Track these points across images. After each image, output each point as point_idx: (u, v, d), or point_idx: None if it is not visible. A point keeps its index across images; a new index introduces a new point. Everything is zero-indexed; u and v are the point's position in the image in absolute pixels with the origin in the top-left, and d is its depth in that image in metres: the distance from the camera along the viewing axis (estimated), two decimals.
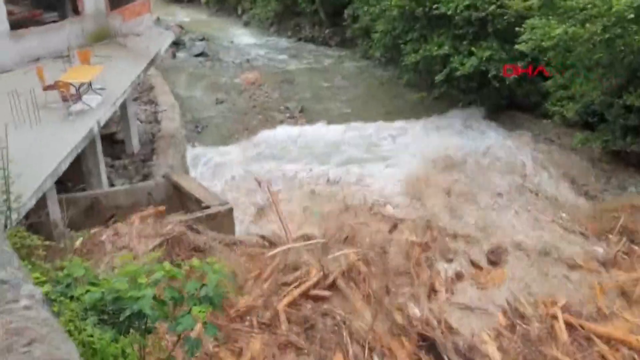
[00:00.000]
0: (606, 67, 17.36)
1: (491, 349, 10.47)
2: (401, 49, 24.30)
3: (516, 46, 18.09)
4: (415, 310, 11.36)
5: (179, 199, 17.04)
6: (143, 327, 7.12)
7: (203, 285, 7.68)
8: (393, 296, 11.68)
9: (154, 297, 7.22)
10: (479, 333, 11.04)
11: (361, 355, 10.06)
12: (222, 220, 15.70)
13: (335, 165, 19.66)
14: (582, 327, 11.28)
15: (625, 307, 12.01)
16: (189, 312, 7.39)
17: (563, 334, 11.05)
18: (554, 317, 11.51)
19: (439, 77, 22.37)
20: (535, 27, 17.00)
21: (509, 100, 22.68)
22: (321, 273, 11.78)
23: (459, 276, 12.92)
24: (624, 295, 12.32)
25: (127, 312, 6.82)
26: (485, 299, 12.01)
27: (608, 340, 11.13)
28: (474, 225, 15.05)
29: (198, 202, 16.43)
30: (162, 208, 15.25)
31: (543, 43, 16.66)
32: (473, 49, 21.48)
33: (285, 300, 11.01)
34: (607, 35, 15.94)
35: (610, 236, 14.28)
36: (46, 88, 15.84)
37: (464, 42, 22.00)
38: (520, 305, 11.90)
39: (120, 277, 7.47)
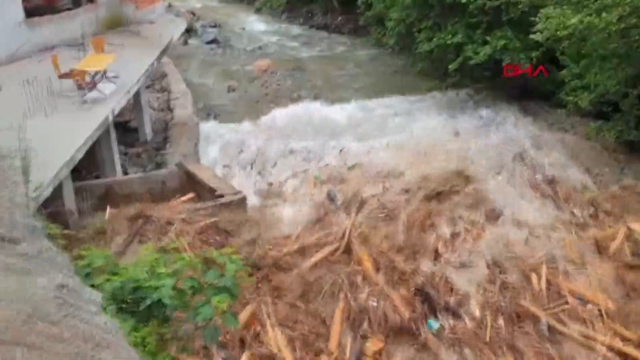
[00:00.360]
0: (621, 57, 17.24)
1: (473, 303, 11.53)
2: (414, 37, 24.22)
3: (531, 36, 17.96)
4: (419, 268, 12.58)
5: (192, 187, 17.13)
6: (162, 316, 7.21)
7: (221, 275, 7.76)
8: (399, 256, 12.81)
9: (173, 287, 7.30)
10: (467, 288, 12.09)
11: (361, 301, 11.30)
12: (235, 208, 15.81)
13: (349, 141, 20.28)
14: (552, 283, 12.25)
15: (599, 261, 12.93)
16: (208, 301, 7.47)
17: (539, 287, 12.02)
18: (534, 270, 12.48)
19: (452, 66, 22.27)
20: (550, 16, 16.86)
21: (522, 89, 22.59)
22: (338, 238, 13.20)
23: (456, 235, 13.96)
24: (600, 251, 13.26)
25: (147, 302, 6.90)
26: (478, 256, 13.06)
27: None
28: (472, 195, 15.75)
29: (211, 190, 16.51)
30: (191, 195, 15.39)
31: (558, 33, 16.54)
32: (487, 37, 21.38)
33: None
34: (622, 25, 15.81)
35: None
36: (61, 76, 15.92)
37: (478, 31, 21.90)
38: (504, 261, 12.90)
39: (140, 267, 7.56)
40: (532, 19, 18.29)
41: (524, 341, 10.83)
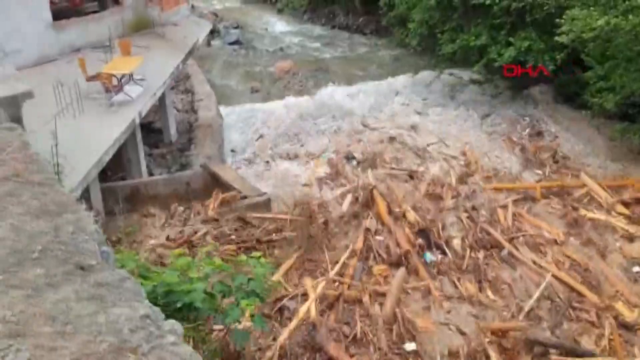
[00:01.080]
0: None
1: (456, 242, 14.03)
2: (437, 39, 24.18)
3: (556, 37, 17.88)
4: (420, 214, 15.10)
5: (217, 189, 17.28)
6: (194, 319, 7.33)
7: (250, 279, 7.87)
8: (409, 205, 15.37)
9: (204, 291, 7.41)
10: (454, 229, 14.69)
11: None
12: (261, 209, 15.93)
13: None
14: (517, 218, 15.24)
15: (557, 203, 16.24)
16: (237, 304, 7.58)
17: (507, 222, 14.91)
18: (504, 208, 15.56)
19: (476, 67, 22.25)
20: (575, 18, 16.77)
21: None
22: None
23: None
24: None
25: (179, 305, 7.01)
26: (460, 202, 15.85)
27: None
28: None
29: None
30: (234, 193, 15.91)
31: (584, 34, 16.46)
32: (511, 39, 21.30)
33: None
34: None
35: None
36: (89, 79, 16.12)
37: (502, 32, 21.82)
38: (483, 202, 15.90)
39: (172, 271, 7.68)
40: (557, 20, 18.21)
41: (489, 266, 13.32)
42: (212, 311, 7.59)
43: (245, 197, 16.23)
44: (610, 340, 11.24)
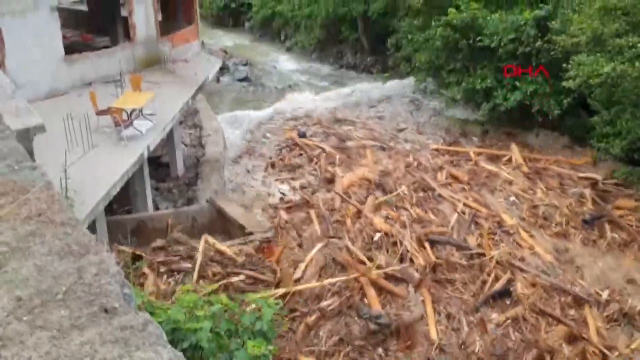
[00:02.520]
0: None
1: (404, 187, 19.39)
2: (444, 78, 24.45)
3: (563, 83, 18.06)
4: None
5: (222, 224, 17.29)
6: (199, 358, 7.27)
7: (258, 319, 7.82)
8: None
9: (211, 329, 7.36)
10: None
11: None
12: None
13: None
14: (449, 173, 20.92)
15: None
16: (243, 344, 7.52)
17: (441, 176, 20.57)
18: (440, 167, 21.20)
19: (482, 112, 22.49)
20: (582, 63, 16.96)
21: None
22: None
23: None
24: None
25: (185, 344, 6.97)
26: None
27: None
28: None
29: (241, 227, 16.66)
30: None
31: (591, 80, 16.63)
32: (517, 83, 21.51)
33: None
34: None
35: None
36: (99, 113, 16.27)
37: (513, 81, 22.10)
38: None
39: (178, 308, 7.64)
40: (565, 65, 18.40)
41: (426, 201, 18.79)
42: (218, 351, 7.54)
43: (250, 233, 16.26)
44: (485, 238, 16.63)
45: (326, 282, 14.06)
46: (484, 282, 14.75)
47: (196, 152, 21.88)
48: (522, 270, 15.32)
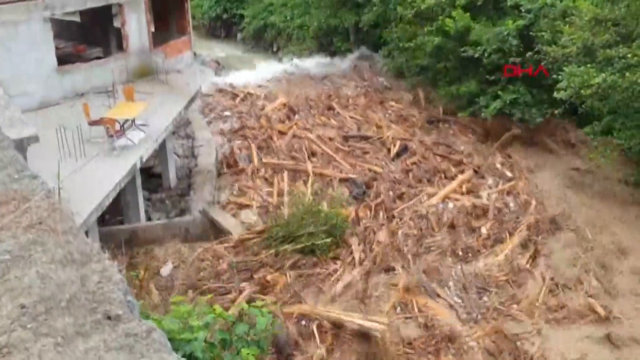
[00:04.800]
0: None
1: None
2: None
3: (555, 94, 18.15)
4: None
5: (215, 235, 17.27)
6: None
7: (251, 328, 7.82)
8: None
9: (205, 339, 7.35)
10: None
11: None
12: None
13: None
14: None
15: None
16: (237, 353, 7.52)
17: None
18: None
19: (462, 114, 22.96)
20: (573, 74, 17.08)
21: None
22: None
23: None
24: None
25: (179, 354, 6.93)
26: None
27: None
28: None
29: None
30: None
31: (582, 91, 16.74)
32: (500, 92, 21.75)
33: None
34: None
35: None
36: (92, 123, 16.27)
37: (495, 86, 22.38)
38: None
39: (172, 318, 7.62)
40: (554, 76, 18.53)
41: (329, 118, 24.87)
42: None
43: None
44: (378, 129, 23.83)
45: None
46: (389, 150, 22.57)
47: (189, 163, 21.83)
48: (407, 140, 23.26)
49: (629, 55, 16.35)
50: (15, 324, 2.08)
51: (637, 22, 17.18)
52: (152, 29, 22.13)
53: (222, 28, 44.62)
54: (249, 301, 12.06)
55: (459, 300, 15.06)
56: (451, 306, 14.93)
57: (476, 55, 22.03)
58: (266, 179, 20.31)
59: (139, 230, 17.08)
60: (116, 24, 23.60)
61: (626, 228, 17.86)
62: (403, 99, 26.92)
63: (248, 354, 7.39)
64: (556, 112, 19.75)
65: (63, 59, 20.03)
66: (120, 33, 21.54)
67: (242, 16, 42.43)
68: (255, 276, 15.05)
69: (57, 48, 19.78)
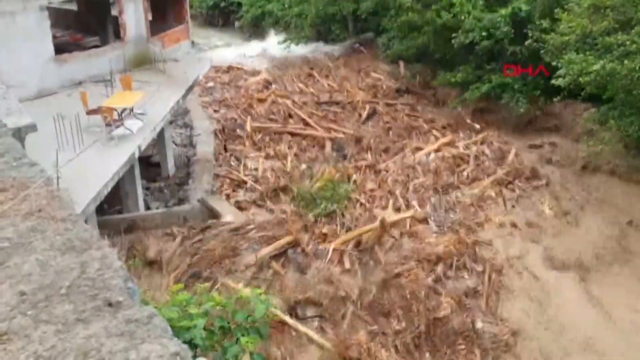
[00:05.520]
0: None
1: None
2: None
3: (552, 81, 18.14)
4: None
5: None
6: (193, 356, 7.26)
7: (250, 315, 7.83)
8: None
9: (204, 327, 7.36)
10: None
11: None
12: None
13: None
14: None
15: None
16: (237, 340, 7.53)
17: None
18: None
19: (451, 104, 23.03)
20: (572, 62, 17.04)
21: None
22: None
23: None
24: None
25: (179, 341, 6.94)
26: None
27: None
28: None
29: None
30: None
31: (580, 79, 16.71)
32: (493, 77, 21.77)
33: None
34: None
35: None
36: (89, 112, 16.22)
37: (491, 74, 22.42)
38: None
39: (171, 306, 7.63)
40: (553, 64, 18.51)
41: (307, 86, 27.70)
42: (212, 348, 7.54)
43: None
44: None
45: None
46: (360, 114, 25.38)
47: (187, 152, 21.84)
48: (374, 103, 26.27)
49: (628, 43, 16.31)
50: (15, 311, 2.08)
51: (636, 9, 17.11)
52: (150, 18, 22.03)
53: (220, 17, 44.51)
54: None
55: (433, 217, 18.22)
56: (426, 220, 18.09)
57: (466, 42, 22.04)
58: (254, 143, 22.54)
59: (137, 219, 17.08)
60: (113, 12, 23.49)
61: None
62: (385, 71, 29.35)
63: (247, 341, 7.42)
64: (555, 99, 19.78)
65: (60, 48, 19.93)
66: (117, 22, 21.44)
67: (239, 4, 42.32)
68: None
69: (54, 37, 19.67)
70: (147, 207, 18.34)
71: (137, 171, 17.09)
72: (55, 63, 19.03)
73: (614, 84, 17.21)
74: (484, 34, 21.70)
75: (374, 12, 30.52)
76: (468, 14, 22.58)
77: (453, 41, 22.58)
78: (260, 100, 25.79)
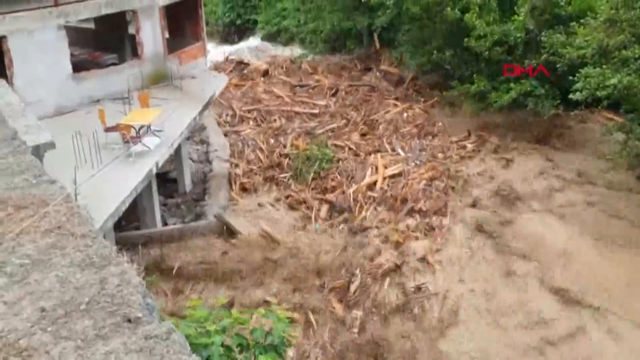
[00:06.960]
0: None
1: None
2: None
3: (570, 96, 18.03)
4: None
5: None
6: None
7: (268, 333, 7.80)
8: None
9: (222, 344, 7.34)
10: None
11: None
12: None
13: None
14: None
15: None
16: (255, 358, 7.50)
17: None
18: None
19: (468, 110, 23.04)
20: (589, 76, 16.94)
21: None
22: None
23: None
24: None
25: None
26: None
27: None
28: None
29: None
30: None
31: (597, 92, 16.62)
32: (512, 84, 21.60)
33: None
34: None
35: None
36: (107, 129, 16.36)
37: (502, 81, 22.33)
38: None
39: (189, 323, 7.62)
40: (572, 78, 18.39)
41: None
42: None
43: None
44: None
45: None
46: (326, 93, 28.67)
47: (203, 168, 21.95)
48: (338, 84, 29.35)
49: None
50: (35, 327, 2.09)
51: None
52: (167, 36, 22.23)
53: (236, 34, 44.83)
54: None
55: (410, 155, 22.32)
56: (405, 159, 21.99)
57: (477, 48, 21.98)
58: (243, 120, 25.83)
59: (154, 235, 17.16)
60: (131, 30, 23.76)
61: None
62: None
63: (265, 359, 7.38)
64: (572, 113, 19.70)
65: (78, 66, 20.16)
66: (135, 40, 21.66)
67: (255, 22, 42.61)
68: None
69: (72, 55, 19.89)
70: (164, 223, 18.44)
71: (154, 187, 17.20)
72: (73, 81, 19.25)
73: (631, 98, 17.09)
74: (495, 38, 21.63)
75: (389, 26, 30.57)
76: (484, 24, 22.44)
77: (467, 44, 22.44)
78: (236, 85, 29.35)
